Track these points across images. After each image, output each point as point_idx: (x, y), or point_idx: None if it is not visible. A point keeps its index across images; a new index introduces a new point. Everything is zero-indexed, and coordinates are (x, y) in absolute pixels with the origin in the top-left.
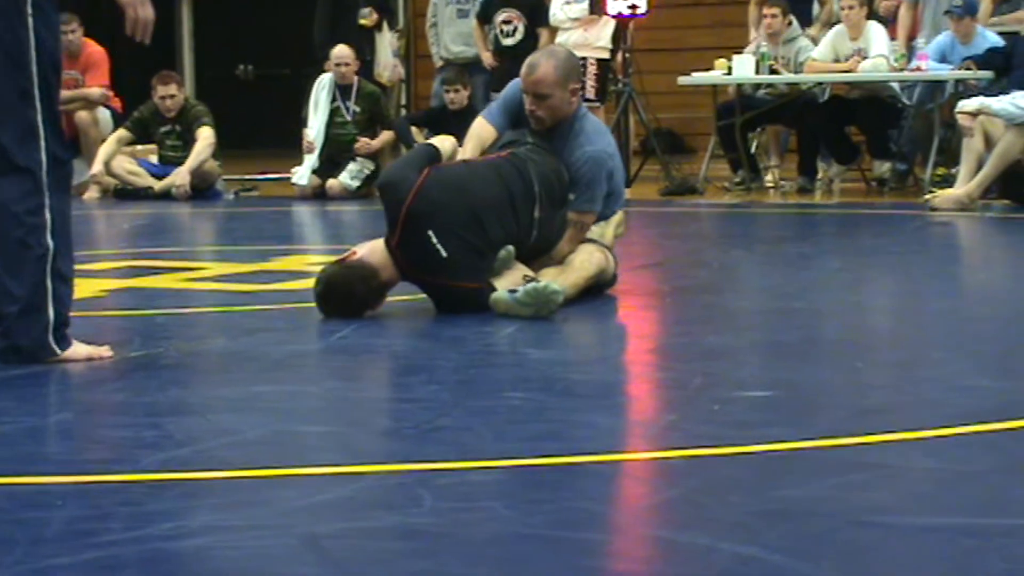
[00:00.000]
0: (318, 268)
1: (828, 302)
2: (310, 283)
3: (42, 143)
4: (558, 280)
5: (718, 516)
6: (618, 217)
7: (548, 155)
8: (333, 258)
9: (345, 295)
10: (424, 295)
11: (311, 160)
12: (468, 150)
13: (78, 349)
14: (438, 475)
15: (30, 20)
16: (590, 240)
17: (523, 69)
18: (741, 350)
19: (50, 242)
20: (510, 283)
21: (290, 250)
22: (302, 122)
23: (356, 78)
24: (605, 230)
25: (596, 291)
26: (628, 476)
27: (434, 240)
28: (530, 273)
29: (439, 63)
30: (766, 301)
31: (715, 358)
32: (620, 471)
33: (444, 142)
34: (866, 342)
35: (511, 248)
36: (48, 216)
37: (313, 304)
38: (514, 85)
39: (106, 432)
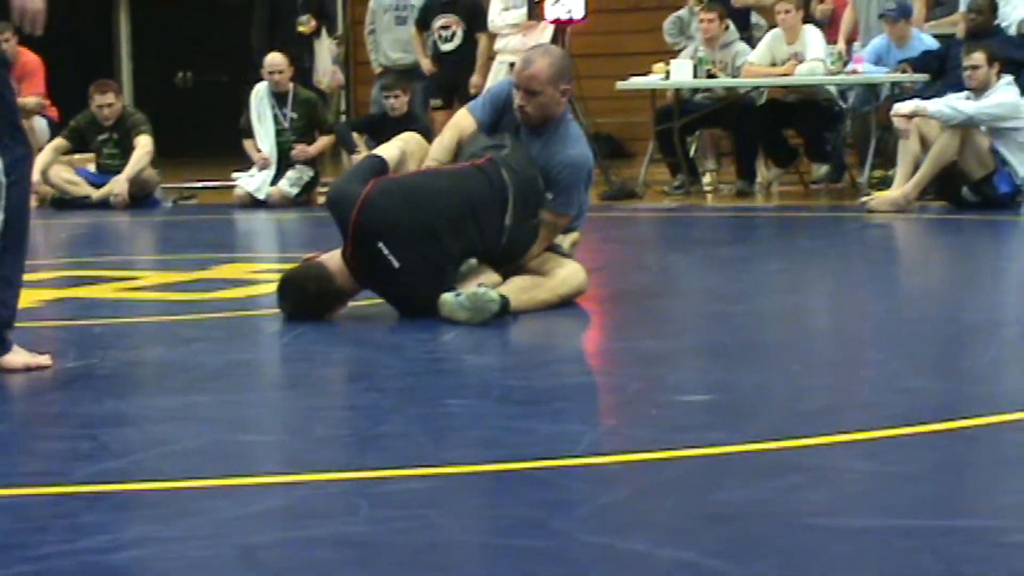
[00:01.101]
0: (258, 276)
1: (766, 305)
2: (249, 291)
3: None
4: (533, 291)
5: (656, 520)
6: (575, 236)
7: (525, 161)
8: (273, 266)
9: (297, 291)
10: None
11: (267, 174)
12: (446, 139)
13: (17, 356)
14: (376, 483)
15: None
16: (565, 254)
17: (518, 63)
18: (680, 354)
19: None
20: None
21: (229, 258)
22: (241, 132)
23: (291, 85)
24: (562, 243)
25: None
26: (566, 482)
27: (385, 252)
28: (490, 280)
29: (378, 70)
30: (705, 304)
31: (654, 362)
32: (558, 477)
33: (390, 150)
34: (804, 344)
35: (472, 262)
36: (2, 216)
37: (251, 312)
38: (503, 83)
39: (41, 444)
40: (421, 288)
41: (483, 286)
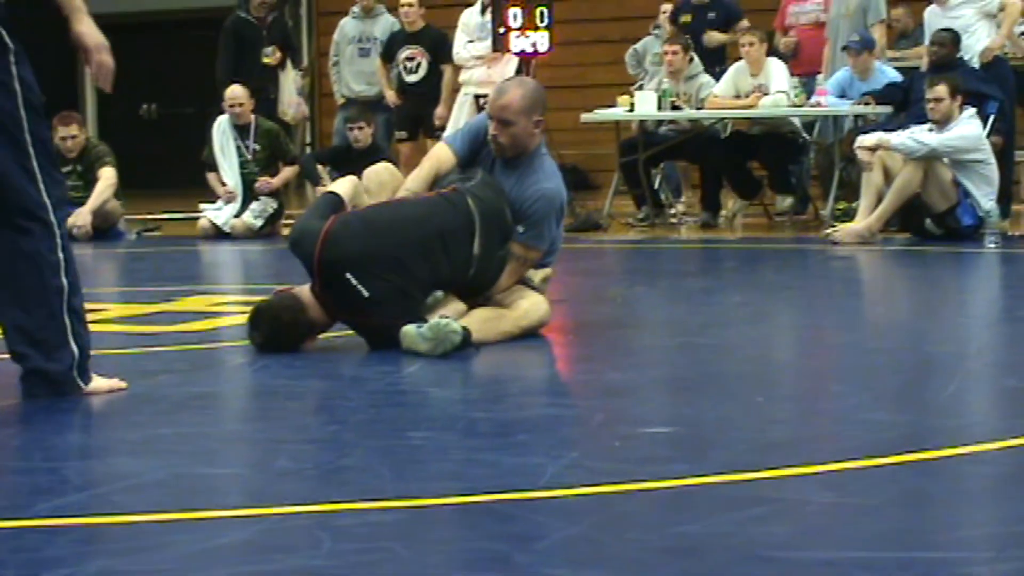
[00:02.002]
0: (222, 308)
1: (730, 336)
2: (212, 323)
3: (41, 186)
4: (496, 322)
5: (617, 553)
6: (547, 272)
7: (494, 191)
8: (237, 298)
9: (270, 321)
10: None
11: (234, 207)
12: (424, 170)
13: (99, 383)
14: (338, 517)
15: (14, 69)
16: (536, 288)
17: (491, 93)
18: (643, 386)
19: (64, 280)
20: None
21: (193, 290)
22: (204, 165)
23: (253, 116)
24: (533, 277)
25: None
26: (528, 514)
27: (354, 282)
28: (455, 310)
29: (341, 101)
30: (668, 336)
31: (617, 394)
32: (521, 510)
33: (344, 185)
34: (767, 376)
35: (439, 294)
36: (61, 255)
37: (215, 345)
38: (481, 117)
39: (1, 477)
40: (391, 315)
41: (445, 317)
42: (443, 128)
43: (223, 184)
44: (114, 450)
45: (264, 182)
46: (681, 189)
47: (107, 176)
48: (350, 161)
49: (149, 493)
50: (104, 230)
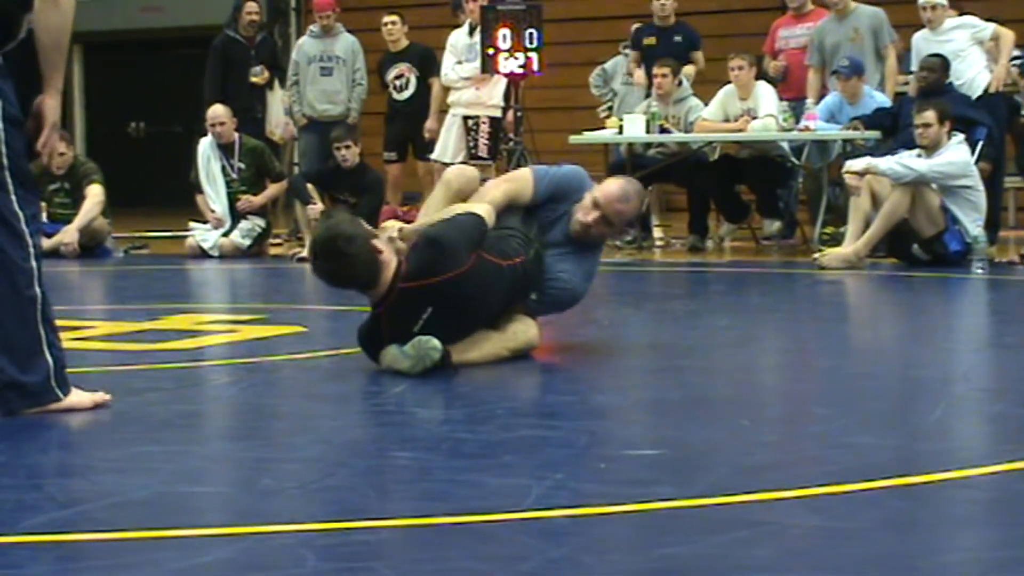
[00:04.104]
0: (207, 327)
1: (716, 360)
2: (198, 342)
3: (13, 198)
4: (483, 343)
5: (601, 575)
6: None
7: (539, 271)
8: (223, 316)
9: (350, 237)
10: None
11: (220, 231)
12: (502, 192)
13: (81, 396)
14: (322, 535)
15: None
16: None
17: (615, 190)
18: (628, 408)
19: (38, 290)
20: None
21: (180, 308)
22: (191, 185)
23: (236, 135)
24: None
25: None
26: (513, 535)
27: (424, 316)
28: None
29: (303, 121)
30: (655, 359)
31: (602, 416)
32: (505, 531)
33: (488, 211)
34: (753, 400)
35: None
36: (34, 264)
37: (200, 363)
38: (579, 175)
39: None
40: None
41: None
42: (433, 143)
43: (212, 211)
44: (98, 468)
45: (246, 201)
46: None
47: (95, 194)
48: (339, 180)
49: (133, 511)
50: (91, 248)
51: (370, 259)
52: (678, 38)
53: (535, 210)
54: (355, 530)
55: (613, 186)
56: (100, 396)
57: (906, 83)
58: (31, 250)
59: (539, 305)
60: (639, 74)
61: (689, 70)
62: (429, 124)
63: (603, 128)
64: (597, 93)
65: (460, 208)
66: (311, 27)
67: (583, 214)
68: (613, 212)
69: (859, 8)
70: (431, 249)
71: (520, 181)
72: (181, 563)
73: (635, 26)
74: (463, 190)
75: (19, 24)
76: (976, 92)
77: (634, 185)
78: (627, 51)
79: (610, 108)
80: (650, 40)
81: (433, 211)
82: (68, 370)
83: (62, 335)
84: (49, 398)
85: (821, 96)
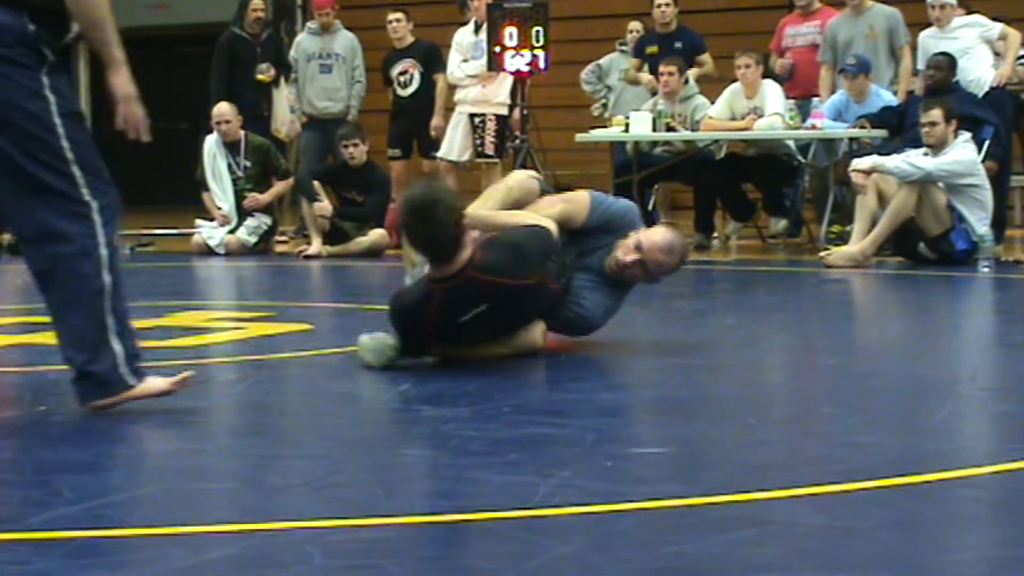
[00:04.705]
0: (213, 324)
1: (722, 358)
2: (204, 340)
3: (84, 189)
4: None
5: (607, 573)
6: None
7: (565, 299)
8: (229, 314)
9: (449, 208)
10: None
11: (225, 229)
12: (557, 212)
13: (157, 382)
14: (329, 533)
15: (45, 79)
16: None
17: (662, 239)
18: (635, 407)
19: (107, 279)
20: None
21: (185, 306)
22: (197, 183)
23: (242, 133)
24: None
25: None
26: (520, 533)
27: (476, 310)
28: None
29: (303, 119)
30: (661, 358)
31: (609, 415)
32: (512, 528)
33: (554, 228)
34: (759, 398)
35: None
36: (104, 252)
37: (206, 361)
38: (630, 212)
39: None
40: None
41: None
42: (439, 140)
43: (219, 208)
44: (105, 464)
45: (252, 199)
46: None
47: None
48: (346, 178)
49: (140, 507)
50: None
51: (456, 236)
52: (679, 44)
53: (579, 236)
54: (362, 527)
55: (660, 235)
56: (180, 377)
57: (913, 82)
58: (101, 239)
59: (552, 322)
60: (645, 77)
61: (694, 73)
62: (435, 122)
63: (601, 126)
64: (590, 90)
65: (534, 219)
66: (309, 24)
67: (623, 253)
68: (653, 261)
69: (875, 6)
70: (513, 253)
71: (577, 204)
72: (188, 560)
73: (631, 31)
74: (521, 200)
75: (69, 17)
76: (982, 90)
77: (680, 240)
78: (623, 48)
79: (604, 105)
80: (652, 49)
81: (489, 208)
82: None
83: None
84: (120, 387)
85: (833, 92)
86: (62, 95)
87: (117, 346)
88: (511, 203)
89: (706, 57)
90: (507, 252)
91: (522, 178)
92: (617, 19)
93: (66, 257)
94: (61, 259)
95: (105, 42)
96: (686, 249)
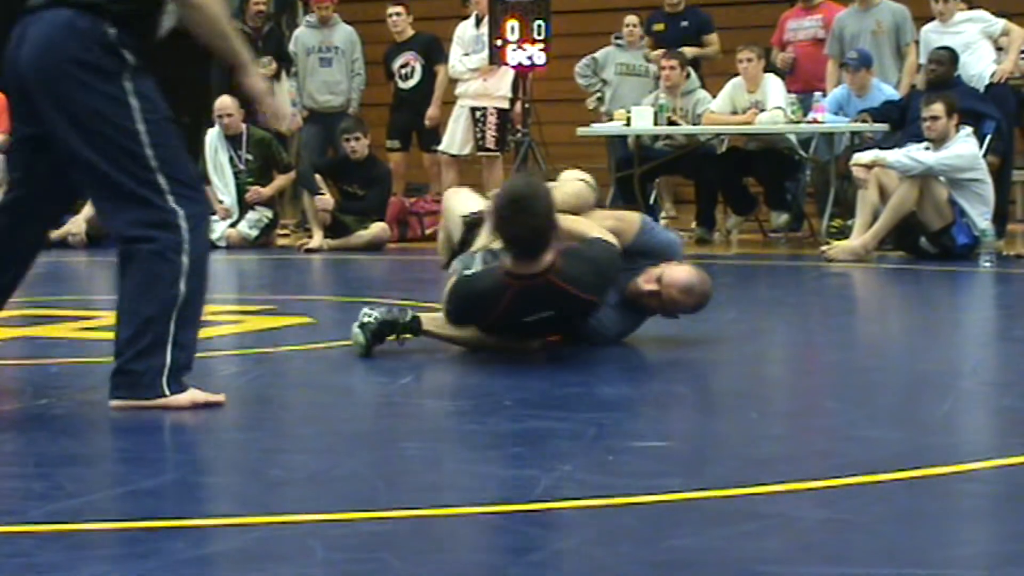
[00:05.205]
0: (214, 318)
1: (724, 352)
2: (205, 332)
3: (169, 197)
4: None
5: (609, 567)
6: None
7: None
8: (229, 307)
9: (548, 206)
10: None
11: (226, 223)
12: (610, 222)
13: (192, 394)
14: (331, 526)
15: (128, 84)
16: None
17: (683, 278)
18: (637, 400)
19: (182, 288)
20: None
21: None
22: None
23: (244, 126)
24: None
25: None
26: (521, 527)
27: (543, 315)
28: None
29: (304, 113)
30: (662, 351)
31: (611, 408)
32: (513, 522)
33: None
34: (760, 392)
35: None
36: (185, 261)
37: (207, 354)
38: (673, 246)
39: None
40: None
41: (369, 315)
42: (435, 130)
43: (220, 202)
44: (107, 457)
45: (254, 192)
46: None
47: None
48: (347, 172)
49: (142, 500)
50: (99, 238)
51: (548, 234)
52: (685, 23)
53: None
54: (364, 521)
55: (682, 274)
56: (213, 396)
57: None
58: (186, 246)
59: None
60: (657, 55)
61: (693, 51)
62: (431, 111)
63: (596, 120)
64: (584, 84)
65: (610, 238)
66: (307, 17)
67: (644, 280)
68: (668, 297)
69: (884, 2)
70: (595, 270)
71: (627, 223)
72: (190, 553)
73: (627, 25)
74: (578, 209)
75: (157, 19)
76: (982, 84)
77: (703, 284)
78: (619, 42)
79: (600, 99)
80: (659, 27)
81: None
82: (82, 361)
83: (69, 325)
84: (152, 393)
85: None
86: (147, 100)
87: (168, 355)
88: (570, 208)
89: (713, 38)
90: (589, 267)
91: (581, 188)
92: (619, 13)
93: (146, 256)
94: (141, 256)
95: (230, 49)
96: (707, 293)
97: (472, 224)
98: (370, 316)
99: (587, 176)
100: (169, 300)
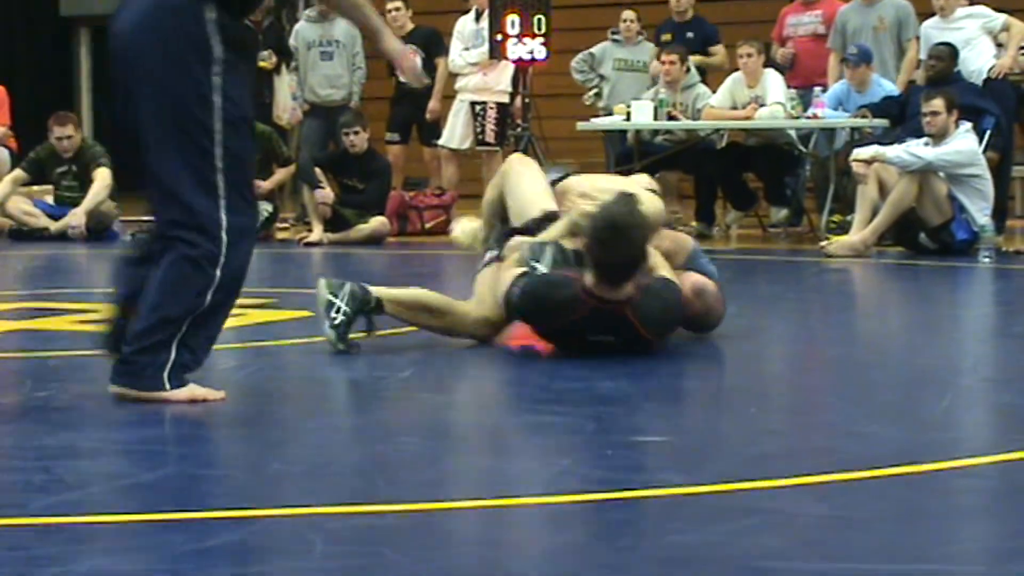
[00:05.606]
0: None
1: (723, 348)
2: None
3: (222, 203)
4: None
5: (608, 562)
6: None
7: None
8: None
9: (645, 237)
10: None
11: None
12: (669, 241)
13: (192, 390)
14: (330, 519)
15: (217, 79)
16: None
17: (697, 281)
18: (636, 395)
19: (208, 299)
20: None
21: None
22: None
23: None
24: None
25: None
26: (519, 521)
27: (602, 338)
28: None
29: (305, 107)
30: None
31: (610, 403)
32: (512, 516)
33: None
34: (760, 388)
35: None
36: (218, 274)
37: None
38: (714, 276)
39: None
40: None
41: (336, 314)
42: (435, 124)
43: None
44: (107, 450)
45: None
46: None
47: (102, 177)
48: (347, 166)
49: (141, 493)
50: (99, 231)
51: (639, 264)
52: (690, 34)
53: None
54: (363, 514)
55: (698, 277)
56: (212, 395)
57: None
58: (222, 259)
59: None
60: (655, 66)
61: (697, 59)
62: (432, 105)
63: (593, 115)
64: (581, 79)
65: (679, 282)
66: (307, 12)
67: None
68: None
69: None
70: (664, 315)
71: (681, 247)
72: (189, 546)
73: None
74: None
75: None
76: (980, 79)
77: (715, 295)
78: (616, 37)
79: (598, 94)
80: (666, 36)
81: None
82: (82, 354)
83: (69, 318)
84: (153, 385)
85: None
86: (230, 99)
87: (174, 352)
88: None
89: (719, 48)
90: (662, 312)
91: (659, 206)
92: (619, 8)
93: (182, 259)
94: (178, 256)
95: (365, 17)
96: (717, 306)
97: (546, 220)
98: (338, 314)
99: (656, 185)
100: (192, 307)
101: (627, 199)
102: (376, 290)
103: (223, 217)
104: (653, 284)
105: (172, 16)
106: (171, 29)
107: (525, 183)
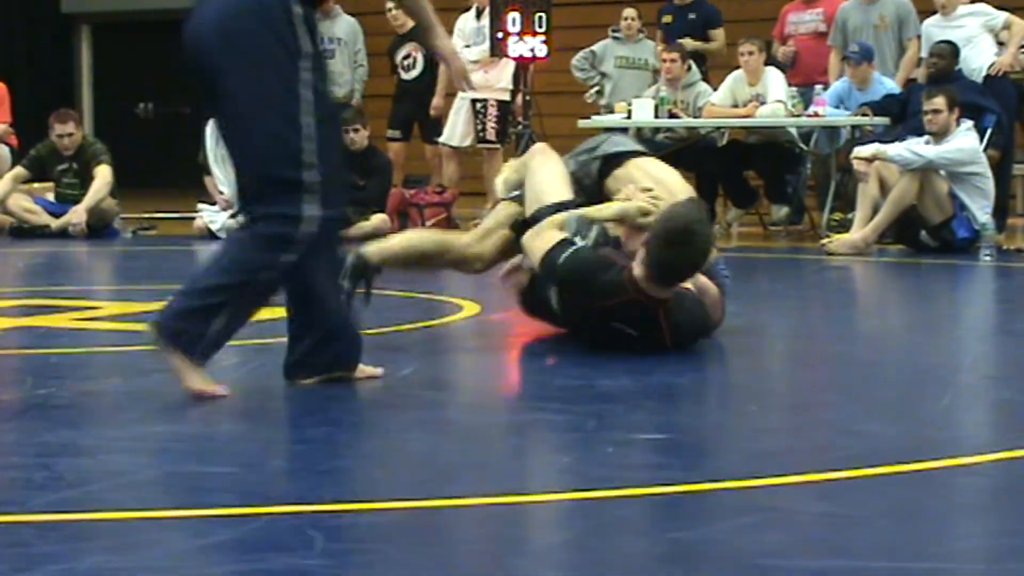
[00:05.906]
0: None
1: (723, 345)
2: None
3: (304, 195)
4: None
5: (608, 559)
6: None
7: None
8: None
9: (708, 243)
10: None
11: (228, 213)
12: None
13: (198, 377)
14: (330, 517)
15: (306, 75)
16: None
17: (705, 282)
18: (637, 393)
19: (260, 279)
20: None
21: None
22: (200, 166)
23: None
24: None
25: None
26: (520, 519)
27: (627, 330)
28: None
29: None
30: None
31: (610, 401)
32: (513, 514)
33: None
34: (760, 385)
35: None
36: (264, 278)
37: None
38: (725, 286)
39: None
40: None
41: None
42: (437, 121)
43: (220, 192)
44: (107, 447)
45: None
46: None
47: (103, 174)
48: (347, 163)
49: (142, 490)
50: (100, 228)
51: (695, 272)
52: (692, 16)
53: None
54: (363, 512)
55: (704, 284)
56: (216, 388)
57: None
58: (291, 247)
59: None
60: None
61: (695, 44)
62: (435, 102)
63: (597, 113)
64: (582, 77)
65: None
66: None
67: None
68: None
69: None
70: (693, 329)
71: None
72: (189, 543)
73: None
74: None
75: None
76: (980, 76)
77: (718, 301)
78: (617, 35)
79: (599, 92)
80: (667, 18)
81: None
82: (83, 351)
83: (70, 315)
84: (179, 346)
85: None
86: (318, 93)
87: (210, 326)
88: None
89: (719, 32)
90: (692, 322)
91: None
92: (620, 5)
93: (255, 235)
94: (254, 233)
95: (424, 12)
96: (713, 308)
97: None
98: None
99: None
100: (244, 282)
101: (700, 205)
102: (369, 252)
103: (297, 216)
104: (692, 293)
105: (260, 11)
106: (260, 24)
107: (543, 173)
